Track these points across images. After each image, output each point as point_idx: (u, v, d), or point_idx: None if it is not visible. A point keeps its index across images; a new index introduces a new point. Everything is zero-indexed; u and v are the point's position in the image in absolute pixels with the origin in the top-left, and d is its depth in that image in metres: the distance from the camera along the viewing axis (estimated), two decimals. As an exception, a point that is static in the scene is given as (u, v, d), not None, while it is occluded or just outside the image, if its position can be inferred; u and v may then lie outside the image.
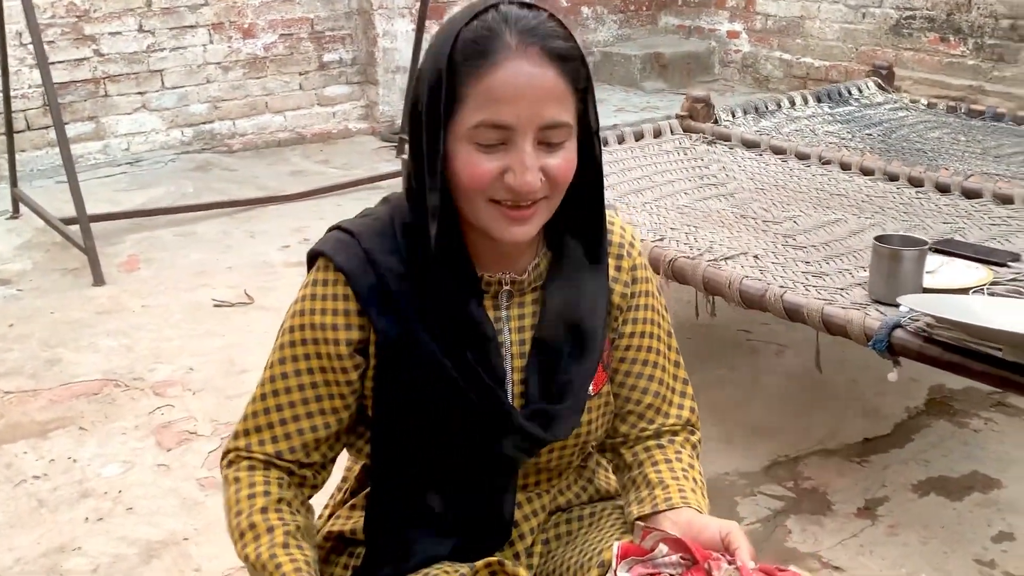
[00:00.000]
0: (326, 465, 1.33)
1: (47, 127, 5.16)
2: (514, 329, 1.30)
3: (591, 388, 1.32)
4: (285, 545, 1.23)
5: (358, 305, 1.24)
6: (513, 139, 1.14)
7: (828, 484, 2.52)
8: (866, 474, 2.56)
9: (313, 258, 1.29)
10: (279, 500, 1.27)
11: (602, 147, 1.27)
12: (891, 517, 2.38)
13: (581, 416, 1.31)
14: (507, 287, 1.29)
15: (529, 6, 1.17)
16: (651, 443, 1.40)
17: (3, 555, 2.30)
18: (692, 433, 1.44)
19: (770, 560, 2.16)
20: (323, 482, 1.35)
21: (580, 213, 1.28)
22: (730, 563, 1.19)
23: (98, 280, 3.87)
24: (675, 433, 1.42)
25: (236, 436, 1.31)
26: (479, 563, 1.27)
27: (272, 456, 1.29)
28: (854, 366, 3.01)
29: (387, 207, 1.30)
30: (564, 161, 1.18)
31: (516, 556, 1.36)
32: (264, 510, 1.26)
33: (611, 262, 1.35)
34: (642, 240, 2.63)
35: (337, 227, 1.29)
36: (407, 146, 1.26)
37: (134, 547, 2.33)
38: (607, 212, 1.33)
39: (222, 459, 1.33)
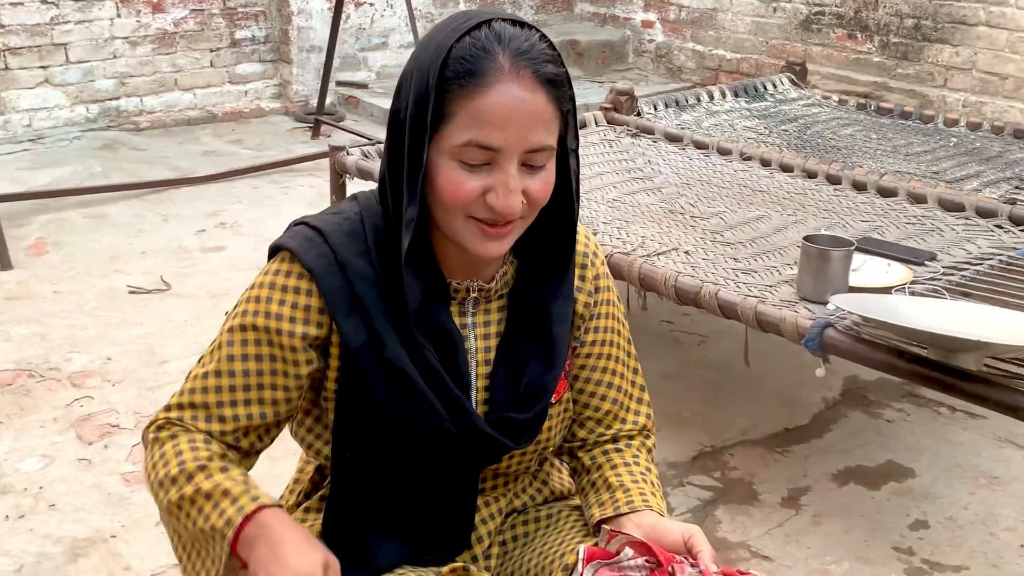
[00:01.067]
0: (250, 455, 1.31)
1: (-58, 100, 4.92)
2: (479, 336, 1.31)
3: (553, 396, 1.34)
4: (240, 482, 1.21)
5: (322, 304, 1.23)
6: (498, 161, 1.14)
7: (754, 474, 2.60)
8: (788, 464, 2.65)
9: (274, 251, 1.27)
10: (222, 456, 1.24)
11: (579, 159, 1.28)
12: (814, 507, 2.47)
13: (543, 424, 1.33)
14: (474, 295, 1.29)
15: (521, 24, 1.17)
16: (609, 447, 1.43)
17: (-82, 556, 2.21)
18: (647, 438, 1.47)
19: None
20: (248, 468, 1.31)
21: (550, 224, 1.28)
22: (693, 566, 1.22)
23: (5, 264, 3.72)
24: (631, 437, 1.45)
25: (169, 408, 1.27)
26: (444, 569, 1.28)
27: (208, 433, 1.26)
28: (774, 357, 3.11)
29: (356, 206, 1.28)
30: (544, 183, 1.19)
31: (474, 559, 1.37)
32: (210, 459, 1.22)
33: (576, 271, 1.37)
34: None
35: (303, 223, 1.27)
36: (382, 148, 1.24)
37: (59, 545, 2.26)
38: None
39: (149, 426, 1.28)
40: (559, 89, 1.17)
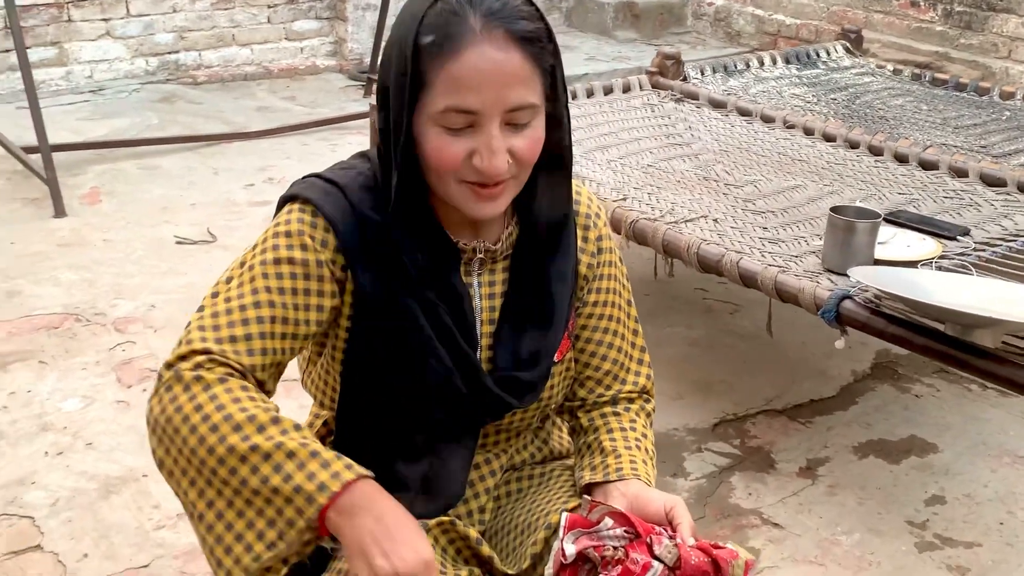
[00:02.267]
0: (270, 397, 1.26)
1: (8, 50, 5.06)
2: (485, 296, 1.33)
3: (555, 356, 1.37)
4: (324, 447, 1.13)
5: (341, 254, 1.22)
6: (480, 123, 1.15)
7: (773, 443, 2.61)
8: (809, 434, 2.65)
9: (285, 201, 1.26)
10: (269, 405, 1.16)
11: (571, 124, 1.29)
12: (831, 477, 2.47)
13: (546, 383, 1.36)
14: (480, 255, 1.31)
15: None
16: (607, 409, 1.45)
17: (-38, 486, 2.33)
18: (647, 401, 1.49)
19: (712, 515, 2.24)
20: None
21: (550, 184, 1.30)
22: (671, 538, 1.24)
23: (59, 212, 3.84)
24: (631, 400, 1.47)
25: (204, 340, 1.16)
26: (431, 521, 1.31)
27: (247, 369, 1.17)
28: (805, 328, 3.09)
29: (367, 163, 1.29)
30: (530, 140, 1.19)
31: (469, 514, 1.41)
32: (278, 411, 1.15)
33: (578, 232, 1.38)
34: (604, 200, 2.68)
35: (317, 175, 1.27)
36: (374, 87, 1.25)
37: (93, 482, 2.37)
38: (575, 182, 1.36)
39: (179, 361, 1.15)
40: (536, 45, 1.16)
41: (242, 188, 4.23)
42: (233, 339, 1.17)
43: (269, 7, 5.91)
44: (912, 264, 2.28)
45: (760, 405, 2.78)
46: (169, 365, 1.16)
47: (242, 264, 1.24)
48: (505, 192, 1.22)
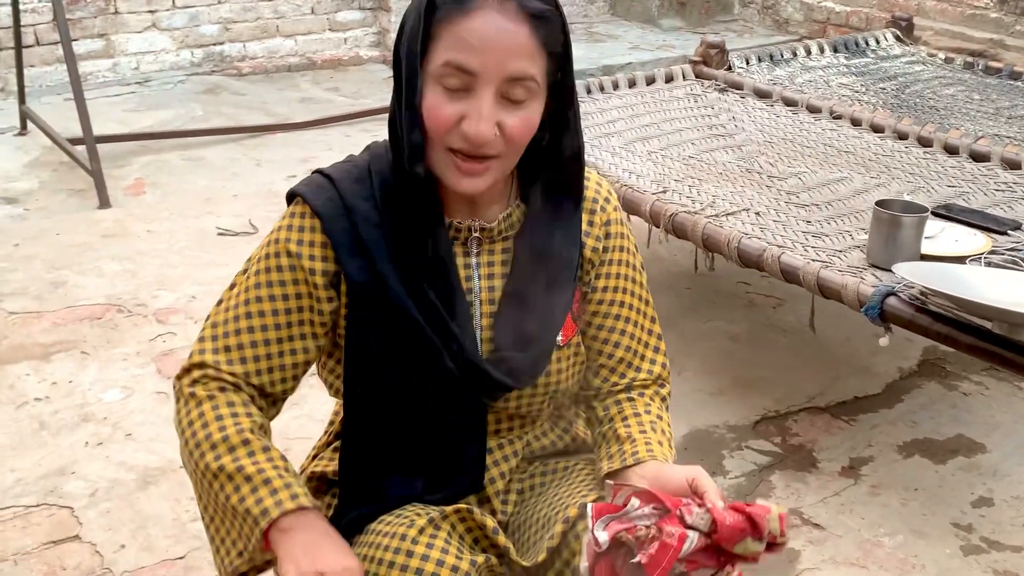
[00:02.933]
0: (277, 402, 1.35)
1: (56, 43, 5.12)
2: (484, 276, 1.34)
3: (560, 339, 1.36)
4: (282, 469, 1.24)
5: (329, 244, 1.28)
6: (475, 87, 1.18)
7: (815, 441, 2.55)
8: (853, 433, 2.60)
9: (291, 197, 1.33)
10: (261, 427, 1.28)
11: (578, 105, 1.31)
12: (874, 477, 2.42)
13: (546, 365, 1.35)
14: (476, 234, 1.32)
15: None
16: (622, 396, 1.43)
17: (5, 475, 2.36)
18: (662, 387, 1.47)
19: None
20: (271, 419, 1.35)
21: (557, 168, 1.31)
22: (700, 506, 1.22)
23: (104, 203, 3.88)
24: (645, 387, 1.45)
25: (203, 352, 1.29)
26: (449, 508, 1.31)
27: (240, 377, 1.28)
28: (850, 323, 3.03)
29: (367, 155, 1.34)
30: (522, 121, 1.21)
31: (488, 500, 1.40)
32: (251, 430, 1.25)
33: (584, 216, 1.38)
34: (643, 192, 2.64)
35: (318, 171, 1.34)
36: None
37: (132, 473, 2.39)
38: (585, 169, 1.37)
39: (182, 375, 1.30)
40: (546, 25, 1.19)
41: (284, 179, 4.24)
42: (227, 348, 1.29)
43: (313, -2, 5.92)
44: (960, 260, 2.21)
45: (802, 402, 2.73)
46: (178, 377, 1.31)
47: (244, 271, 1.32)
48: (488, 172, 1.23)
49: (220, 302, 1.33)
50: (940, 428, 2.62)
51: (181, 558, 2.12)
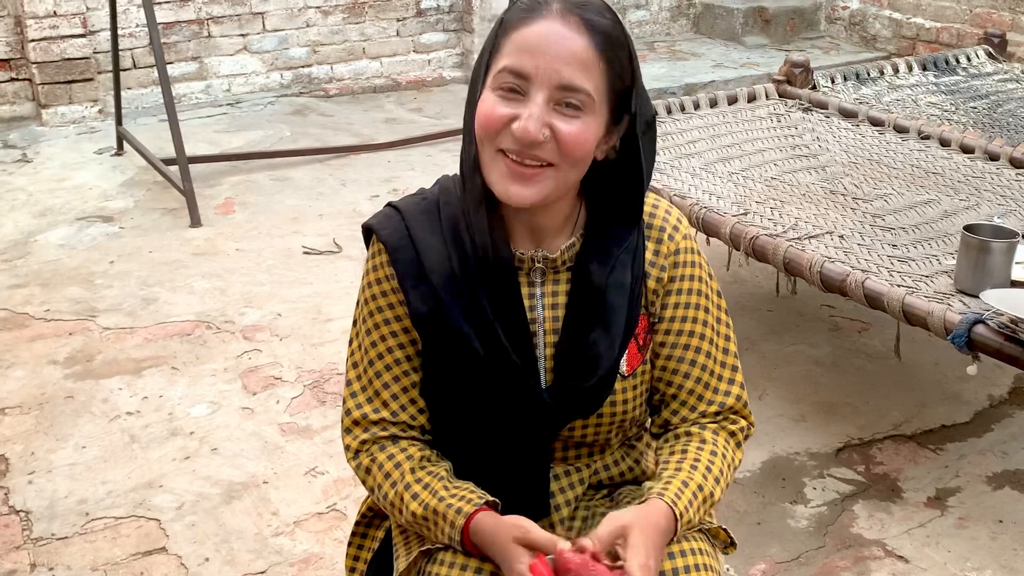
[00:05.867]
0: (425, 431, 1.40)
1: (152, 66, 5.30)
2: (547, 306, 1.35)
3: (624, 368, 1.36)
4: (445, 488, 1.32)
5: (395, 278, 1.33)
6: (529, 91, 1.21)
7: (900, 470, 2.49)
8: (940, 462, 2.53)
9: (365, 231, 1.39)
10: (421, 459, 1.36)
11: (651, 133, 1.32)
12: (962, 509, 2.35)
13: (608, 395, 1.35)
14: (539, 264, 1.34)
15: None
16: (681, 429, 1.41)
17: (97, 487, 2.44)
18: (733, 422, 1.43)
19: (833, 545, 2.13)
20: (428, 441, 1.41)
21: (619, 196, 1.33)
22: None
23: (195, 221, 4.00)
24: (714, 421, 1.42)
25: (360, 406, 1.37)
26: (487, 565, 1.32)
27: (388, 421, 1.36)
28: (938, 349, 2.95)
29: (436, 188, 1.38)
30: (577, 130, 1.22)
31: (552, 527, 1.40)
32: (413, 471, 1.33)
33: (650, 246, 1.38)
34: (723, 215, 2.61)
35: (389, 204, 1.39)
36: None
37: (217, 487, 2.45)
38: (652, 196, 1.39)
39: (347, 434, 1.39)
40: (606, 42, 1.22)
41: (367, 199, 4.32)
42: (371, 399, 1.37)
43: (398, 20, 6.02)
44: (1054, 286, 2.15)
45: (887, 430, 2.67)
46: (344, 435, 1.41)
47: (355, 323, 1.40)
48: (538, 180, 1.24)
49: (349, 360, 1.41)
50: (1033, 459, 2.54)
51: (262, 573, 2.16)
